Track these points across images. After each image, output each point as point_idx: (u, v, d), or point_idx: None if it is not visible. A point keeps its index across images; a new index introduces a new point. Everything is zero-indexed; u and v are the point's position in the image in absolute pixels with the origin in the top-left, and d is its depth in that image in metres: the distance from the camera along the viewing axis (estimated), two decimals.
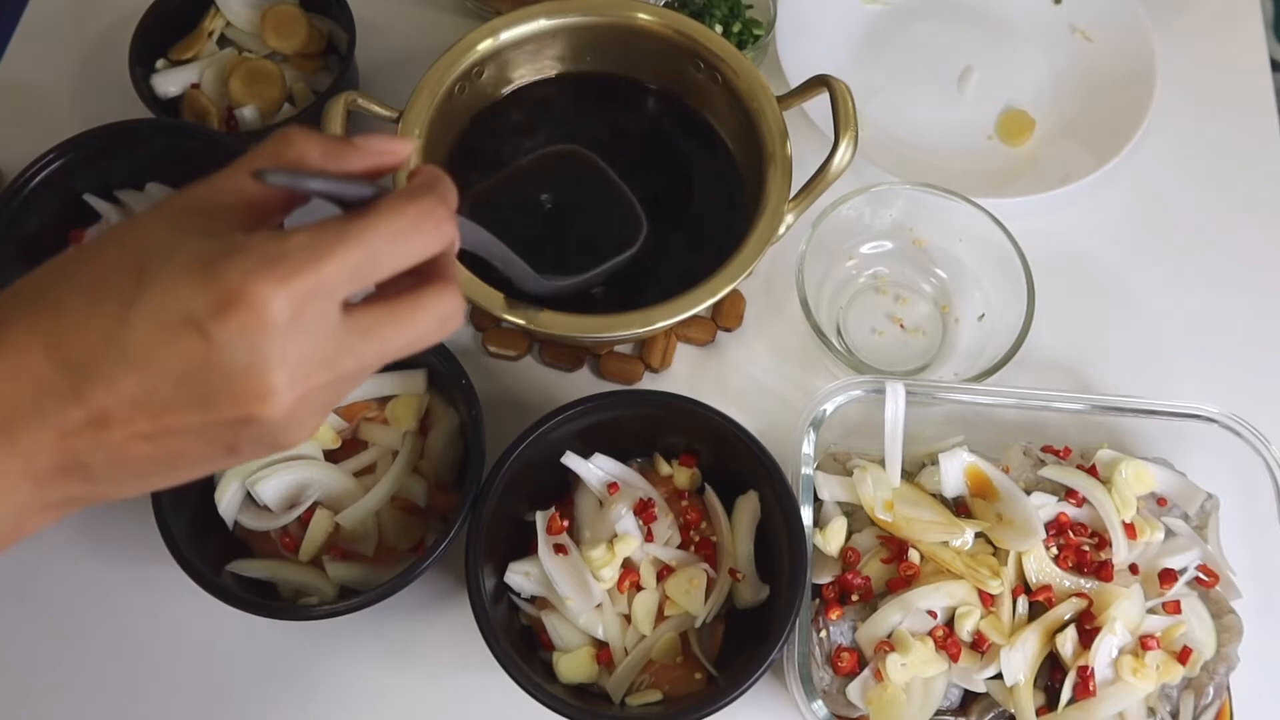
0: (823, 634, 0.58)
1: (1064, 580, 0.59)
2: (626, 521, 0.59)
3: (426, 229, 0.37)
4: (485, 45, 0.69)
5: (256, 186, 0.36)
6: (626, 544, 0.58)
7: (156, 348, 0.33)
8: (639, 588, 0.59)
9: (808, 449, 0.61)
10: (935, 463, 0.61)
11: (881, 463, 0.62)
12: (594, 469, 0.62)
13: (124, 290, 0.34)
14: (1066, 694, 0.56)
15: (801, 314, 0.67)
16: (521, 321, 0.61)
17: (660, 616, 0.59)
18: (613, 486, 0.61)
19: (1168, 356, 0.74)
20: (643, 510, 0.60)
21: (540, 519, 0.60)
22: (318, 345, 0.35)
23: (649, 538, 0.60)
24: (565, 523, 0.60)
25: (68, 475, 0.35)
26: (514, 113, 0.74)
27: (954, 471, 0.61)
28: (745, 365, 0.72)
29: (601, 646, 0.59)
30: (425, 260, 0.38)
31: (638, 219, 0.64)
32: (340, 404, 0.38)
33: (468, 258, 0.60)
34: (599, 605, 0.58)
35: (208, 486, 0.61)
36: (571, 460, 0.61)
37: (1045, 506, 0.61)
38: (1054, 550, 0.60)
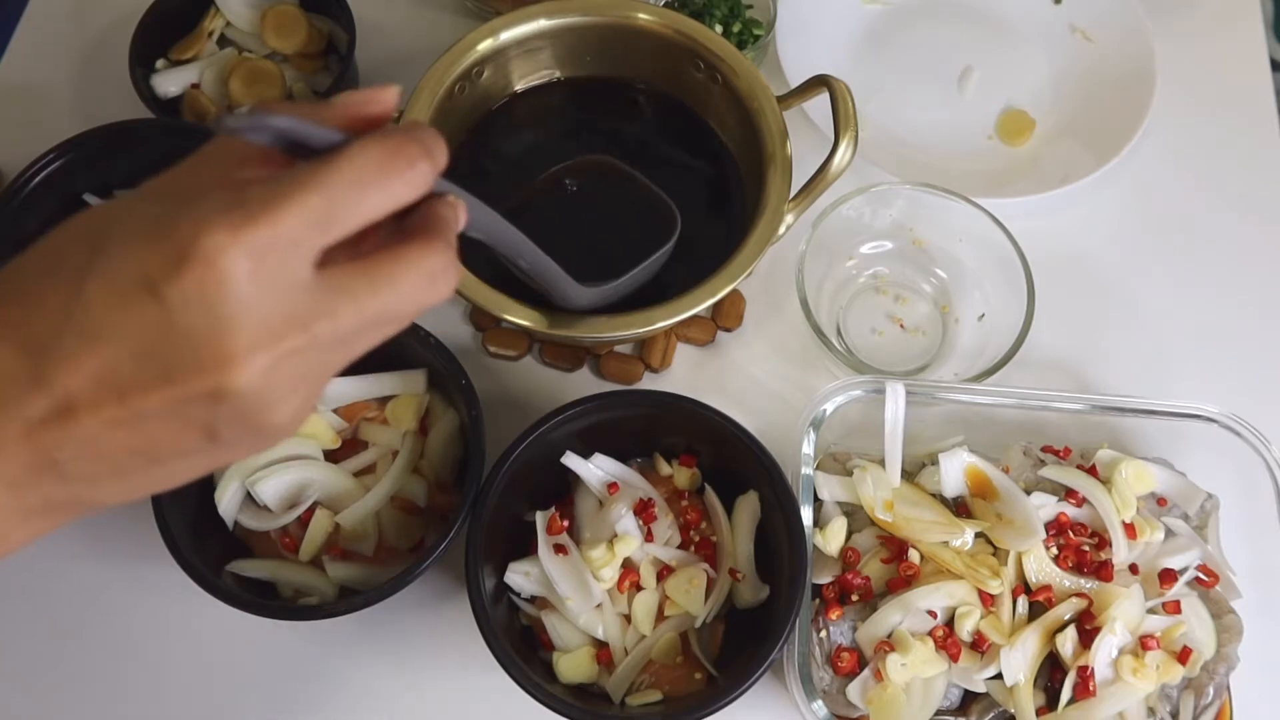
0: (823, 634, 0.58)
1: (1064, 580, 0.59)
2: (626, 521, 0.59)
3: (396, 170, 0.33)
4: (485, 45, 0.69)
5: (232, 158, 0.34)
6: (626, 544, 0.58)
7: (111, 316, 0.31)
8: (639, 588, 0.59)
9: (808, 449, 0.61)
10: (935, 463, 0.61)
11: (881, 463, 0.62)
12: (594, 469, 0.62)
13: (79, 261, 0.31)
14: (1066, 694, 0.56)
15: (801, 314, 0.67)
16: (522, 322, 0.61)
17: (660, 616, 0.59)
18: (613, 486, 0.61)
19: (1168, 356, 0.74)
20: (643, 510, 0.60)
21: (540, 519, 0.60)
22: (283, 303, 0.31)
23: (649, 538, 0.60)
24: (565, 523, 0.60)
25: (40, 475, 0.32)
26: (515, 114, 0.74)
27: (954, 471, 0.61)
28: (745, 365, 0.72)
29: (601, 646, 0.59)
30: (406, 210, 0.35)
31: (670, 211, 0.64)
32: (328, 379, 0.35)
33: (484, 263, 0.60)
34: (599, 605, 0.58)
35: (208, 486, 0.61)
36: (571, 460, 0.61)
37: (1045, 506, 0.61)
38: (1054, 550, 0.60)
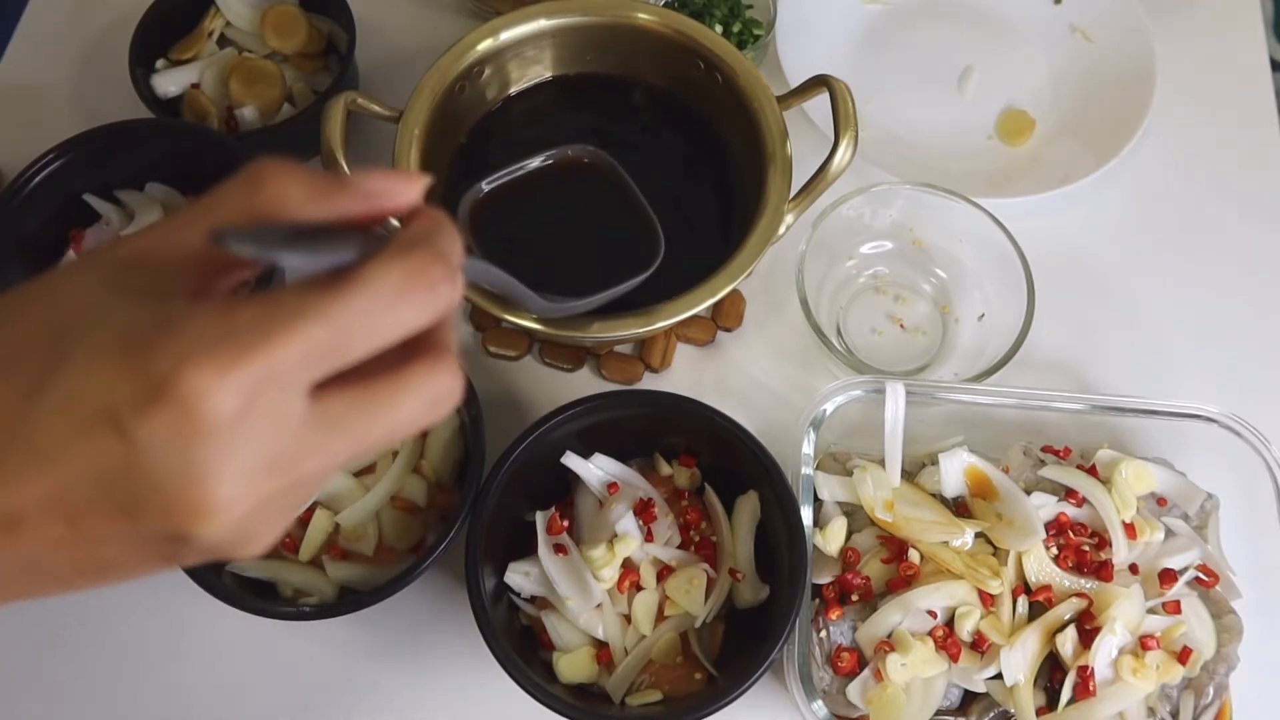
0: (823, 634, 0.58)
1: (1064, 580, 0.59)
2: (626, 521, 0.59)
3: (415, 296, 0.29)
4: (485, 45, 0.69)
5: (226, 257, 0.30)
6: (626, 544, 0.58)
7: (67, 444, 0.27)
8: (639, 588, 0.59)
9: (808, 449, 0.61)
10: (935, 463, 0.61)
11: (881, 463, 0.62)
12: (594, 469, 0.62)
13: (36, 364, 0.28)
14: (1066, 694, 0.56)
15: (801, 314, 0.67)
16: (523, 322, 0.61)
17: (660, 616, 0.59)
18: (612, 486, 0.61)
19: (1168, 356, 0.74)
20: (643, 510, 0.60)
21: (540, 519, 0.60)
22: (272, 446, 0.28)
23: (649, 538, 0.60)
24: (565, 523, 0.60)
25: None
26: (514, 115, 0.74)
27: (954, 471, 0.61)
28: (745, 365, 0.72)
29: (601, 646, 0.59)
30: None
31: (655, 238, 0.63)
32: (309, 500, 0.32)
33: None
34: (599, 605, 0.58)
35: None
36: (571, 460, 0.61)
37: (1045, 506, 0.61)
38: (1054, 550, 0.60)
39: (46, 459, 0.27)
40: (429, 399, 0.31)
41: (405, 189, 0.32)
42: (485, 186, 0.64)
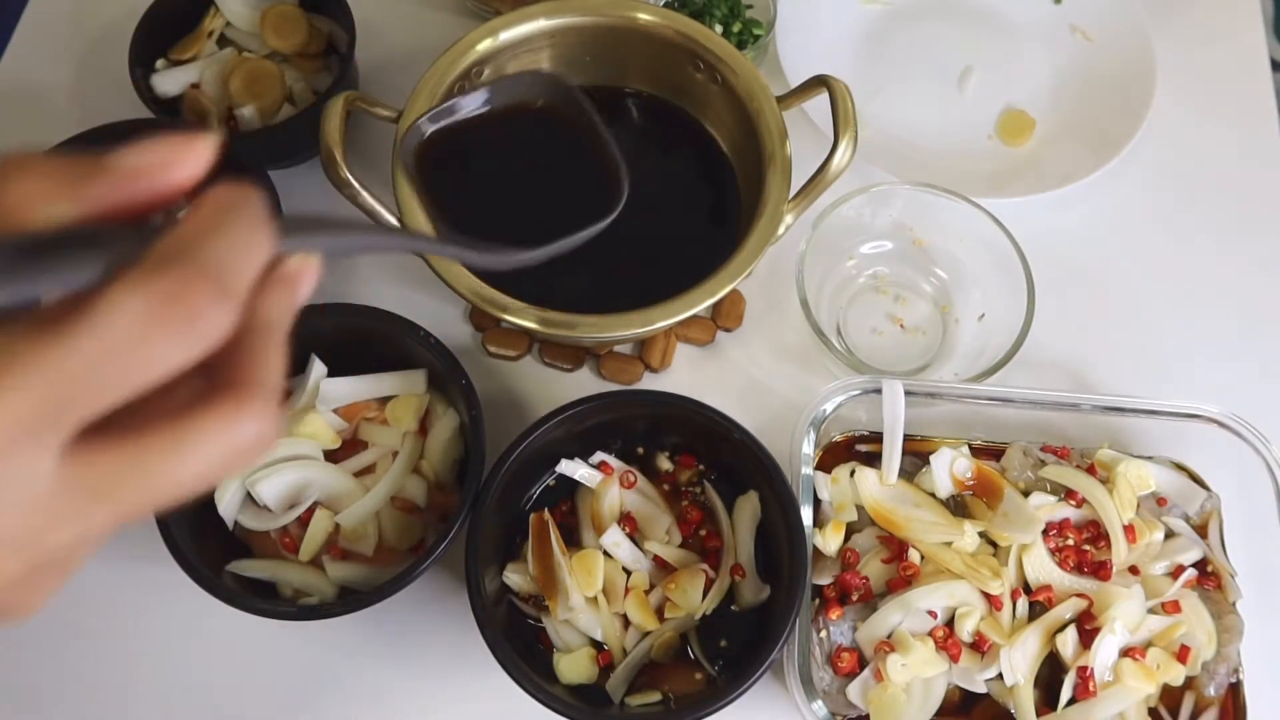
0: (823, 634, 0.58)
1: (1064, 580, 0.59)
2: (615, 534, 0.59)
3: (167, 329, 0.23)
4: (485, 45, 0.69)
5: None
6: (617, 552, 0.58)
7: None
8: (639, 588, 0.59)
9: (808, 449, 0.61)
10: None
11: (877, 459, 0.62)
12: (594, 473, 0.62)
13: None
14: (1066, 694, 0.56)
15: (801, 314, 0.67)
16: (522, 322, 0.61)
17: (660, 616, 0.59)
18: (605, 466, 0.62)
19: (1168, 356, 0.74)
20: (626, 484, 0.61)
21: (533, 522, 0.60)
22: (10, 523, 0.24)
23: (642, 539, 0.60)
24: (565, 523, 0.60)
25: None
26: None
27: (944, 471, 0.61)
28: (745, 365, 0.72)
29: (601, 647, 0.59)
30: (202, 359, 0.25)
31: (619, 181, 0.58)
32: (83, 559, 0.27)
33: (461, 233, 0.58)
34: (598, 606, 0.58)
35: None
36: (566, 467, 0.62)
37: (1045, 506, 0.61)
38: (1054, 550, 0.60)
39: None
40: (225, 450, 0.25)
41: (180, 160, 0.26)
42: (427, 126, 0.59)
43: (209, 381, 0.25)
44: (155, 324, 0.23)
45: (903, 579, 0.58)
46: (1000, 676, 0.56)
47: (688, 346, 0.73)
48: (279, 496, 0.59)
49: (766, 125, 0.67)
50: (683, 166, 0.74)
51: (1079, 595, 0.58)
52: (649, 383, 0.71)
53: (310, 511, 0.60)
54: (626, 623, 0.59)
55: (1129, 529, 0.60)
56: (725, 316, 0.73)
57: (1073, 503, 0.61)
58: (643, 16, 0.70)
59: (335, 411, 0.63)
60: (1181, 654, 0.57)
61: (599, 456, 0.63)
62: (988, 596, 0.58)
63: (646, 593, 0.59)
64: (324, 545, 0.60)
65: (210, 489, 0.28)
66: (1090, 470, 0.62)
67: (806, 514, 0.59)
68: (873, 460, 0.63)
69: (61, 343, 0.23)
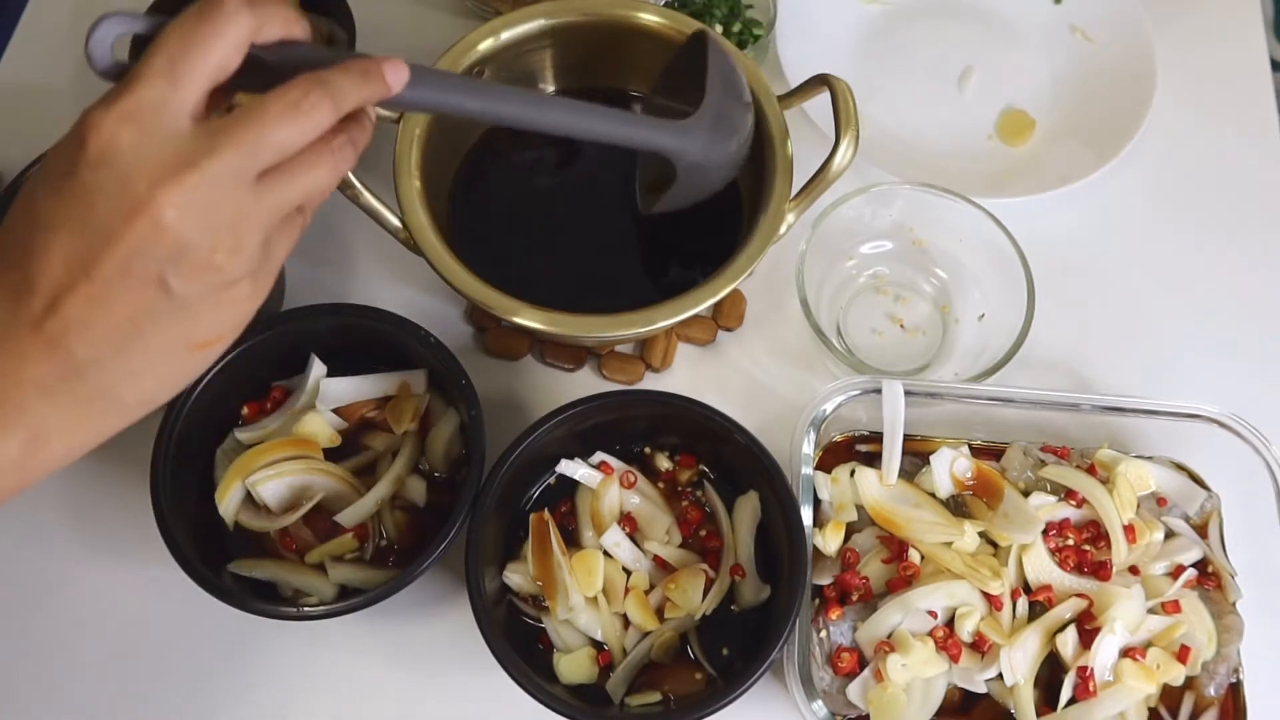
0: (823, 634, 0.58)
1: (1064, 580, 0.59)
2: (615, 534, 0.59)
3: (295, 117, 0.39)
4: (485, 45, 0.69)
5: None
6: (617, 552, 0.59)
7: (54, 206, 0.38)
8: (639, 588, 0.59)
9: (808, 449, 0.61)
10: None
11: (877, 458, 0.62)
12: (593, 472, 0.62)
13: (29, 196, 0.39)
14: (1066, 694, 0.56)
15: (801, 314, 0.67)
16: (523, 322, 0.61)
17: (660, 616, 0.59)
18: (605, 466, 0.62)
19: (1168, 356, 0.74)
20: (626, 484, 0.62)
21: (533, 522, 0.60)
22: (167, 149, 0.37)
23: (642, 539, 0.60)
24: (564, 523, 0.60)
25: (57, 367, 0.38)
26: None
27: (943, 471, 0.61)
28: (746, 365, 0.72)
29: (601, 647, 0.59)
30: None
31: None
32: (264, 224, 0.40)
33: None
34: (598, 606, 0.58)
35: (208, 486, 0.61)
36: (566, 467, 0.61)
37: (1045, 506, 0.61)
38: (1054, 550, 0.60)
39: (50, 226, 0.38)
40: (287, 101, 0.39)
41: (381, 79, 0.43)
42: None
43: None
44: (286, 112, 0.39)
45: (903, 579, 0.58)
46: (1000, 676, 0.56)
47: (689, 346, 0.73)
48: (279, 497, 0.59)
49: (767, 124, 0.67)
50: None
51: (1079, 595, 0.58)
52: (650, 382, 0.71)
53: (311, 512, 0.59)
54: (626, 623, 0.59)
55: (1129, 529, 0.60)
56: (726, 316, 0.73)
57: (1073, 503, 0.61)
58: (643, 16, 0.70)
59: (335, 411, 0.63)
60: (1181, 654, 0.57)
61: (599, 456, 0.63)
62: (988, 596, 0.58)
63: (646, 593, 0.59)
64: (333, 552, 0.60)
65: (299, 143, 0.40)
66: (1090, 470, 0.62)
67: (806, 514, 0.59)
68: (873, 460, 0.63)
69: (247, 120, 0.38)
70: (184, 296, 0.39)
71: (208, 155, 0.38)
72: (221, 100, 0.41)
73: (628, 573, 0.59)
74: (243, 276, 0.40)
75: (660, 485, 0.64)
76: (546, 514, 0.60)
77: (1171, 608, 0.59)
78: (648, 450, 0.65)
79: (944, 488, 0.61)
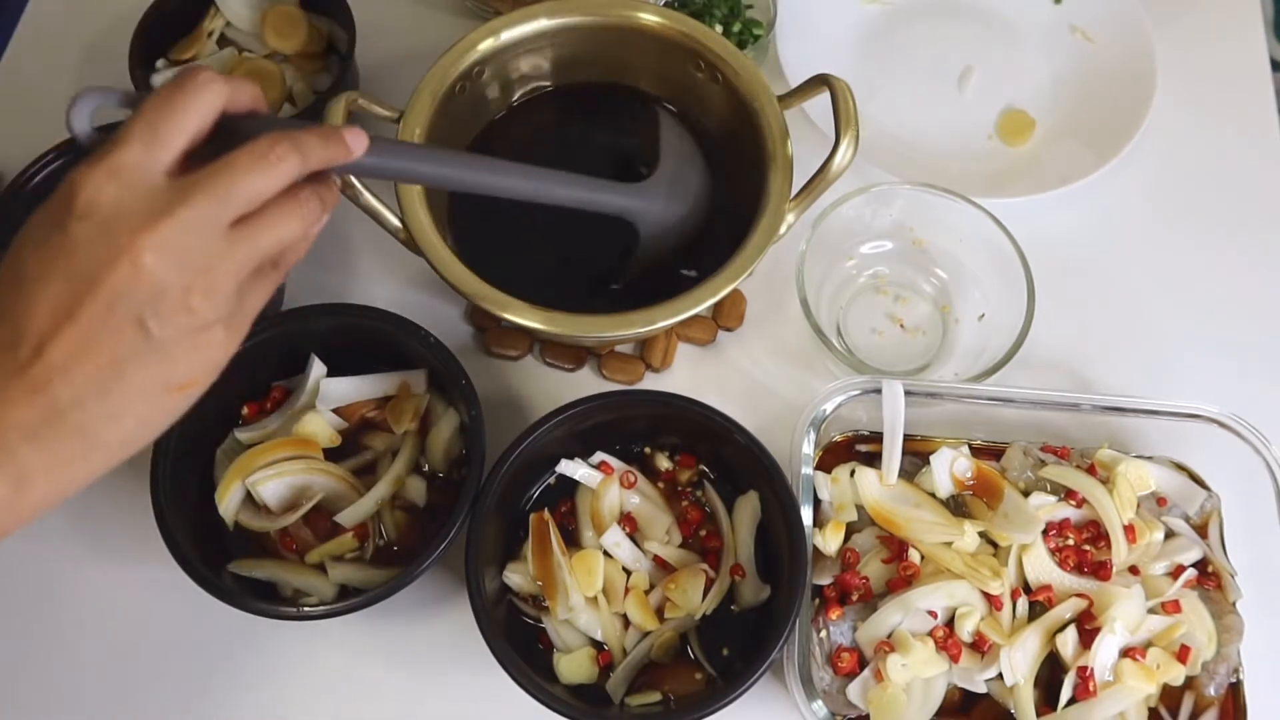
0: (823, 634, 0.58)
1: (1064, 580, 0.59)
2: (615, 534, 0.59)
3: (262, 169, 0.42)
4: (486, 45, 0.69)
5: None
6: (617, 552, 0.58)
7: (42, 259, 0.40)
8: (639, 588, 0.59)
9: (808, 449, 0.61)
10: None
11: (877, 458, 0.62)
12: (593, 472, 0.62)
13: (16, 251, 0.41)
14: (1066, 694, 0.56)
15: (801, 314, 0.67)
16: (524, 321, 0.61)
17: (660, 616, 0.59)
18: (605, 466, 0.62)
19: (1168, 356, 0.74)
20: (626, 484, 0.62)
21: (533, 522, 0.60)
22: (145, 200, 0.40)
23: (642, 539, 0.60)
24: (564, 523, 0.60)
25: (41, 412, 0.40)
26: (514, 126, 0.75)
27: (943, 471, 0.61)
28: (746, 365, 0.72)
29: (601, 647, 0.59)
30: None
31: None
32: (238, 270, 0.43)
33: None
34: (598, 606, 0.58)
35: (208, 486, 0.61)
36: (566, 467, 0.61)
37: (1045, 506, 0.61)
38: (1054, 550, 0.60)
39: (37, 278, 0.40)
40: (254, 153, 0.42)
41: (343, 143, 0.46)
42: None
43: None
44: (256, 163, 0.42)
45: (903, 579, 0.58)
46: (1000, 676, 0.56)
47: (689, 346, 0.73)
48: (279, 497, 0.59)
49: (767, 124, 0.67)
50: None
51: (1079, 595, 0.58)
52: (650, 382, 0.71)
53: (311, 512, 0.60)
54: (626, 623, 0.59)
55: (1129, 529, 0.60)
56: (726, 316, 0.73)
57: (1073, 503, 0.61)
58: (643, 16, 0.70)
59: (335, 411, 0.63)
60: (1181, 654, 0.57)
61: (599, 456, 0.63)
62: (988, 596, 0.58)
63: (646, 593, 0.59)
64: (333, 551, 0.60)
65: (268, 191, 0.43)
66: (1090, 470, 0.62)
67: (806, 514, 0.59)
68: (873, 460, 0.63)
69: (218, 170, 0.41)
70: (161, 338, 0.41)
71: (182, 203, 0.40)
72: (196, 164, 0.43)
73: (628, 573, 0.59)
74: (216, 321, 0.42)
75: (660, 485, 0.64)
76: (546, 514, 0.60)
77: (1171, 608, 0.59)
78: (648, 450, 0.65)
79: (944, 488, 0.61)
